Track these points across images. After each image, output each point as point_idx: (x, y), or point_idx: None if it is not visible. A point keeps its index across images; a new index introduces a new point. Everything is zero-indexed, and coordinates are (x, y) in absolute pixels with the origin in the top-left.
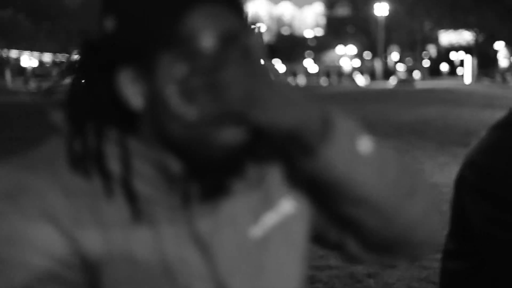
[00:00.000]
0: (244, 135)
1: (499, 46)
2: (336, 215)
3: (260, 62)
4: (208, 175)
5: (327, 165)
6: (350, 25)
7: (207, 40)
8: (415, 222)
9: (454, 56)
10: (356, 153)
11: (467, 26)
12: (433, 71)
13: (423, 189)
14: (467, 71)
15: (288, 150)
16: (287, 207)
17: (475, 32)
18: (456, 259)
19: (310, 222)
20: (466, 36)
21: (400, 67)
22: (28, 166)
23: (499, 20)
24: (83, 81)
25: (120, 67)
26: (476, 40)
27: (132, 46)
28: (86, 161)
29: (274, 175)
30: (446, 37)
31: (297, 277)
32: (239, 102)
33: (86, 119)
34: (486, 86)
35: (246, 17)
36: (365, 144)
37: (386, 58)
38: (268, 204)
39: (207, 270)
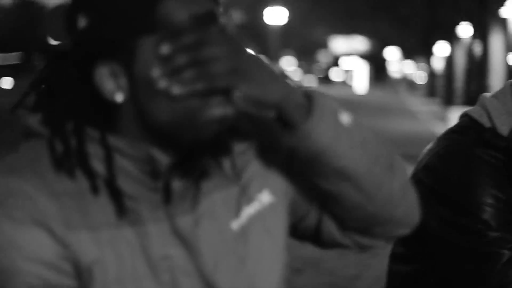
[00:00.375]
0: (231, 112)
1: (391, 54)
2: (316, 194)
3: (239, 40)
4: (193, 160)
5: (311, 138)
6: (244, 32)
7: (185, 19)
8: (394, 199)
9: (346, 63)
10: (339, 125)
11: (360, 32)
12: (324, 79)
13: (399, 165)
14: (360, 79)
15: (272, 126)
16: (265, 198)
17: (369, 38)
18: (405, 263)
19: (288, 212)
20: (359, 43)
21: (295, 75)
22: (13, 170)
23: (391, 28)
24: (57, 82)
25: (97, 63)
26: (371, 48)
27: (108, 40)
28: (69, 162)
29: (251, 168)
30: (339, 43)
31: (279, 267)
32: (225, 76)
33: (65, 119)
34: (379, 94)
35: (218, 1)
36: (345, 117)
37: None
38: (246, 196)
39: (192, 265)
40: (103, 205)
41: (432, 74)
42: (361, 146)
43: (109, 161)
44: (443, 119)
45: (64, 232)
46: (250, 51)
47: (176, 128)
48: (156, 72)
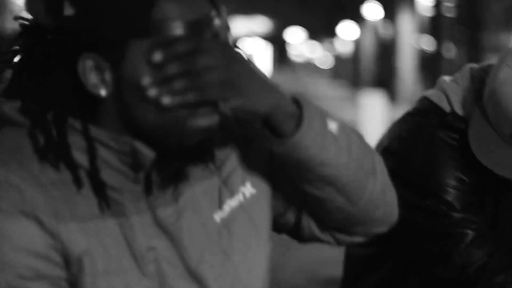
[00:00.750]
0: (217, 121)
1: (295, 35)
2: (298, 197)
3: (231, 47)
4: (173, 161)
5: (300, 148)
6: None
7: (180, 27)
8: (376, 200)
9: (247, 45)
10: (327, 134)
11: (261, 12)
12: None
13: (380, 166)
14: (262, 62)
15: (260, 134)
16: (248, 191)
17: (271, 19)
18: (364, 246)
19: (270, 204)
20: (260, 24)
21: None
22: None
23: (294, 7)
24: (36, 66)
25: (81, 54)
26: (273, 29)
27: (97, 34)
28: (51, 153)
29: (233, 160)
30: (238, 24)
31: (263, 259)
32: (218, 88)
33: (47, 110)
34: (282, 78)
35: (215, 2)
36: (333, 125)
37: None
38: (228, 189)
39: (177, 257)
40: (87, 196)
41: (338, 57)
42: (347, 152)
43: (91, 152)
44: (351, 102)
45: (53, 223)
46: (243, 58)
47: (161, 132)
48: (146, 80)
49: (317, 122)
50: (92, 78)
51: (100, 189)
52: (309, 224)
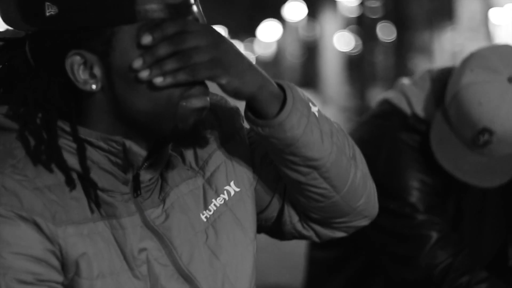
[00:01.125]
0: (208, 102)
1: None
2: (280, 190)
3: (214, 29)
4: (160, 152)
5: (285, 128)
6: None
7: (163, 10)
8: (357, 188)
9: None
10: (310, 115)
11: None
12: None
13: (359, 155)
14: None
15: (246, 117)
16: (232, 190)
17: None
18: (326, 248)
19: (254, 202)
20: None
21: None
22: None
23: (215, 4)
24: (17, 72)
25: (67, 52)
26: None
27: (81, 29)
28: (44, 157)
29: (215, 159)
30: None
31: (250, 257)
32: (207, 67)
33: (35, 113)
34: None
35: None
36: (315, 108)
37: None
38: (213, 188)
39: (168, 257)
40: (80, 199)
41: (259, 58)
42: (330, 136)
43: (82, 154)
44: None
45: (51, 227)
46: (228, 41)
47: (155, 118)
48: (137, 63)
49: (301, 103)
50: (81, 75)
51: (91, 191)
52: (291, 219)
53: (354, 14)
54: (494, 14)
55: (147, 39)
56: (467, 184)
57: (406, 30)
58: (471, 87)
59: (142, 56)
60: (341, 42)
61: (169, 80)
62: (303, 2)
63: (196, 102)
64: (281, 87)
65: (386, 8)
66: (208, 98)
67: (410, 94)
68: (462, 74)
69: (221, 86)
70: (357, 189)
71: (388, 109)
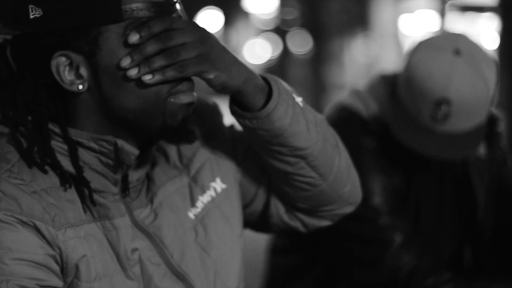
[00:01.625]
0: (196, 98)
1: None
2: (266, 181)
3: (199, 25)
4: (146, 151)
5: (273, 119)
6: None
7: (148, 8)
8: (342, 176)
9: None
10: (296, 105)
11: None
12: None
13: (341, 143)
14: None
15: (232, 112)
16: (218, 186)
17: None
18: (288, 254)
19: (240, 198)
20: None
21: None
22: None
23: None
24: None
25: (52, 53)
26: None
27: (67, 30)
28: (39, 160)
29: (200, 157)
30: None
31: (238, 253)
32: (195, 63)
33: (25, 115)
34: None
35: None
36: (299, 99)
37: None
38: (199, 185)
39: (160, 256)
40: (75, 201)
41: None
42: (315, 125)
43: (74, 154)
44: None
45: (52, 230)
46: (214, 36)
47: (143, 115)
48: (126, 61)
49: (286, 94)
50: (67, 76)
51: (86, 191)
52: (278, 211)
53: (268, 25)
54: (405, 21)
55: (134, 38)
56: (425, 183)
57: (321, 40)
58: (419, 64)
59: (129, 54)
60: (254, 53)
61: (158, 77)
62: (220, 10)
63: (184, 98)
64: (265, 80)
65: (303, 18)
66: (195, 94)
67: (367, 99)
68: (411, 57)
69: (209, 81)
70: (342, 176)
71: (346, 115)
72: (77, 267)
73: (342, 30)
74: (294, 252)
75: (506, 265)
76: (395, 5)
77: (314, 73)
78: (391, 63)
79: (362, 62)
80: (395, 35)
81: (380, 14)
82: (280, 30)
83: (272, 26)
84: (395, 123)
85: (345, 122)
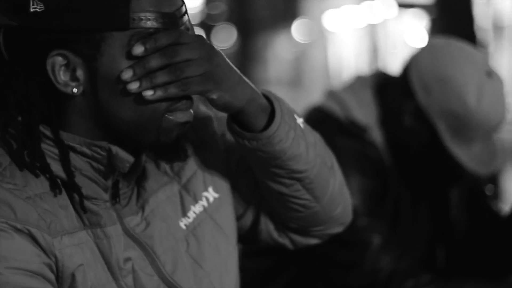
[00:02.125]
0: (192, 116)
1: None
2: (258, 198)
3: (206, 41)
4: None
5: (274, 141)
6: None
7: (157, 19)
8: (336, 198)
9: None
10: (297, 127)
11: None
12: None
13: (336, 164)
14: None
15: (231, 130)
16: (211, 196)
17: None
18: (262, 256)
19: (233, 207)
20: None
21: None
22: None
23: None
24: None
25: (49, 51)
26: None
27: (69, 30)
28: (31, 164)
29: (191, 165)
30: None
31: (234, 263)
32: (199, 81)
33: (15, 116)
34: None
35: None
36: (300, 120)
37: None
38: (191, 194)
39: (152, 266)
40: (67, 207)
41: None
42: (314, 147)
43: (65, 159)
44: None
45: (48, 238)
46: (219, 51)
47: (137, 129)
48: (127, 74)
49: (288, 116)
50: (62, 76)
51: (77, 197)
52: (267, 227)
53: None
54: (330, 18)
55: (139, 50)
56: (404, 184)
57: (247, 35)
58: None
59: (132, 67)
60: None
61: (159, 93)
62: None
63: (182, 116)
64: (267, 98)
65: (234, 12)
66: (192, 112)
67: (345, 100)
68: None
69: (211, 100)
70: (335, 197)
71: (321, 116)
72: (73, 276)
73: (266, 25)
74: (267, 255)
75: (480, 264)
76: (321, 0)
77: (238, 69)
78: (317, 60)
79: (287, 58)
80: (321, 31)
81: (306, 9)
82: (206, 24)
83: (197, 21)
84: (446, 137)
85: (321, 123)
